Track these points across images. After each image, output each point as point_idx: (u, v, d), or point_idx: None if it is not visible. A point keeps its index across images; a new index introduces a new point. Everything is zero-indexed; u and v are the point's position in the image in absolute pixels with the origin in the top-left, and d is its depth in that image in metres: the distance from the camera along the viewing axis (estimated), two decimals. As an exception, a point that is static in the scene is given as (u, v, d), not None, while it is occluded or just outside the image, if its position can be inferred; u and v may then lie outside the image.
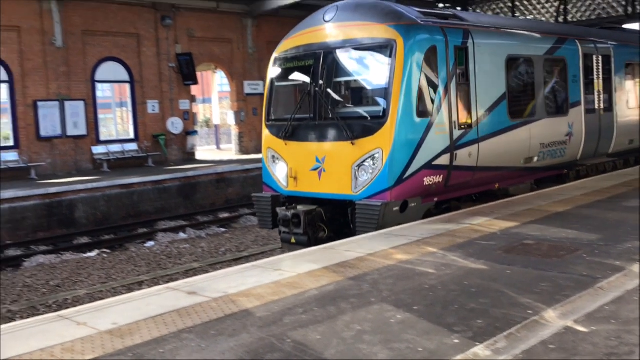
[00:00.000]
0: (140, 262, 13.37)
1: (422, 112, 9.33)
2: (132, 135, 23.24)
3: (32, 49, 20.09)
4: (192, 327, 4.98)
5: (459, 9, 26.73)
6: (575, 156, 13.23)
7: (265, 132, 10.73)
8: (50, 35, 20.36)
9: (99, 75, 22.06)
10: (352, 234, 9.14)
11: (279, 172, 10.38)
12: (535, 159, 11.84)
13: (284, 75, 10.85)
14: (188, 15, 24.12)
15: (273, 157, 10.49)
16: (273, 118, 10.77)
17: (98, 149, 21.80)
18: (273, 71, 10.91)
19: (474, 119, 10.20)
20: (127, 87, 23.17)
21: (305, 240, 9.54)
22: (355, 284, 6.01)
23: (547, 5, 27.72)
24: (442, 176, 9.64)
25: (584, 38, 13.80)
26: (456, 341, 4.47)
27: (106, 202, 17.56)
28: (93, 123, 21.73)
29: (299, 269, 6.63)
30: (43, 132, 20.36)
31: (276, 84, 10.89)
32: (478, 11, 28.06)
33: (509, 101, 11.03)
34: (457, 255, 6.93)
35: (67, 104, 20.84)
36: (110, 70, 22.37)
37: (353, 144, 9.30)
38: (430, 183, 9.50)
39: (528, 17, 27.42)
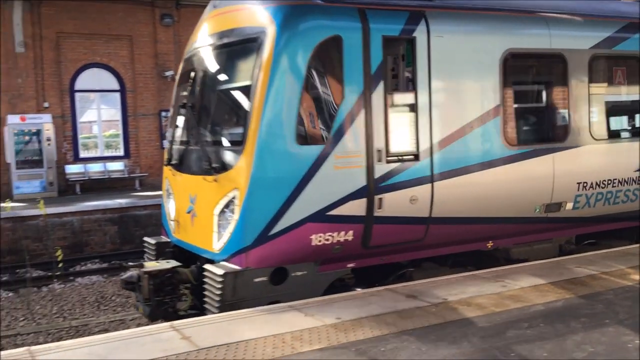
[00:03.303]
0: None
1: (308, 137, 6.36)
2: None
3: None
4: (412, 329, 5.02)
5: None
6: None
7: (165, 157, 8.00)
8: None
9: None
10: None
11: (171, 211, 7.67)
12: (569, 205, 7.91)
13: (181, 82, 7.98)
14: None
15: (167, 190, 7.84)
16: (170, 139, 7.98)
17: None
18: (179, 76, 8.18)
19: (425, 146, 6.82)
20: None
21: (148, 312, 6.78)
22: (586, 302, 5.61)
23: None
24: (352, 232, 6.50)
25: None
26: None
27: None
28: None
29: (523, 282, 6.35)
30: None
31: (179, 93, 7.89)
32: None
33: (507, 119, 7.43)
34: None
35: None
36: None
37: (216, 180, 6.51)
38: (328, 242, 6.39)
39: None
